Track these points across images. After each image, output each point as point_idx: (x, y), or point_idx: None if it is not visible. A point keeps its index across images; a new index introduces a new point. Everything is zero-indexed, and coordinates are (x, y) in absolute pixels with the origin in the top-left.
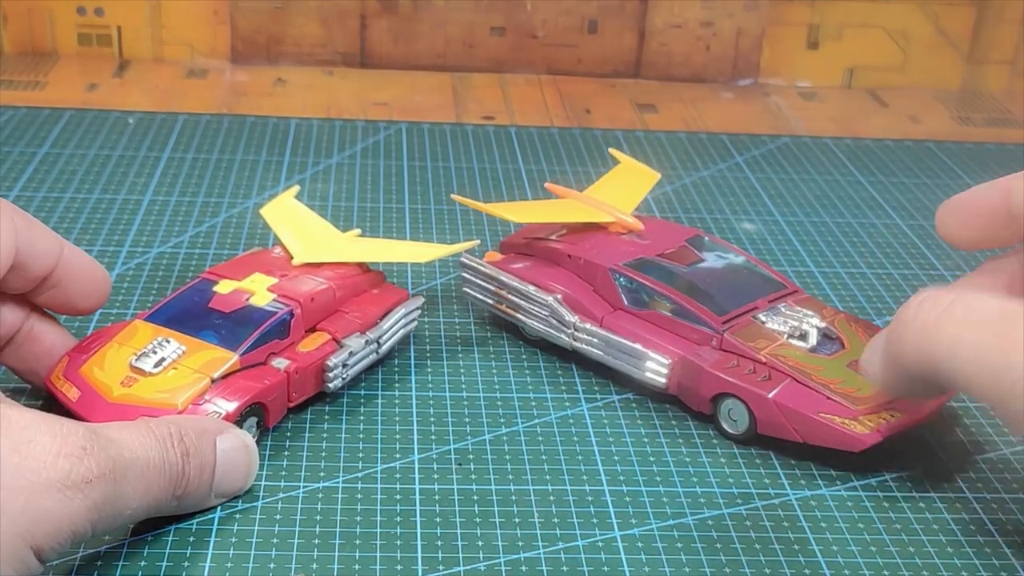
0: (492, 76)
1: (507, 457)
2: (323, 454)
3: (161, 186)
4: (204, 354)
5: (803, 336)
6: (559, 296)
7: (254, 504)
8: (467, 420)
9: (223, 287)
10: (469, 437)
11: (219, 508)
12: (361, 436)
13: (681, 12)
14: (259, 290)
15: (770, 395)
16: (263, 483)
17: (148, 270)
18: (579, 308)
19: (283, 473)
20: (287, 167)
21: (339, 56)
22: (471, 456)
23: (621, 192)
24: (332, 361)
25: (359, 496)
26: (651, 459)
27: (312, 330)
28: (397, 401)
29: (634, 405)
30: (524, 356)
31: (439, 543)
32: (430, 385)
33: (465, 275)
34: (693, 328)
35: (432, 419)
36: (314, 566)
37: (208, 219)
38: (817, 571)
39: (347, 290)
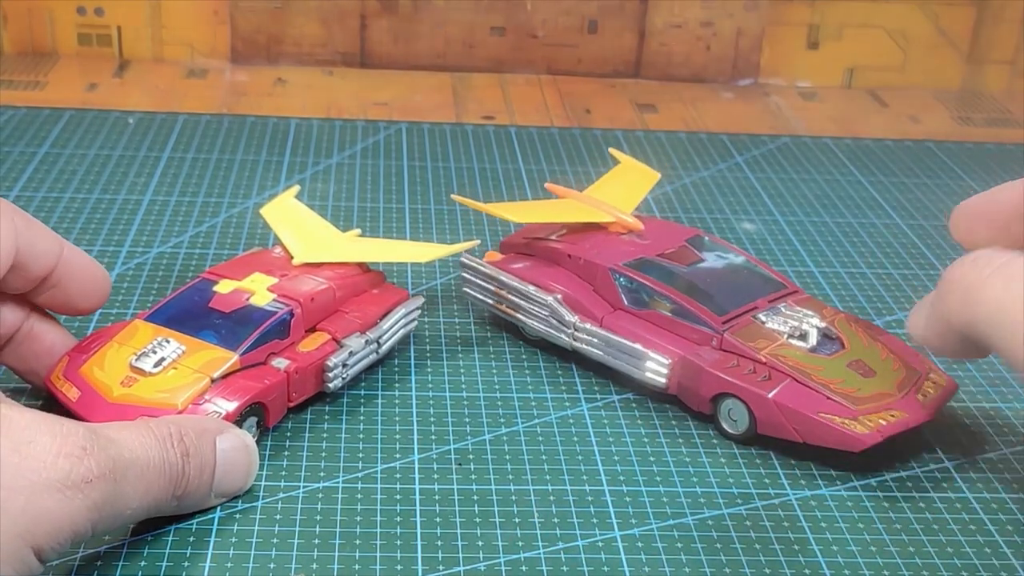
0: (492, 76)
1: (507, 457)
2: (323, 454)
3: (161, 186)
4: (204, 354)
5: (803, 336)
6: (559, 296)
7: (254, 504)
8: (467, 420)
9: (223, 287)
10: (469, 437)
11: (219, 508)
12: (361, 436)
13: (681, 12)
14: (259, 290)
15: (770, 395)
16: (263, 483)
17: (148, 270)
18: (579, 308)
19: (283, 473)
20: (287, 167)
21: (339, 56)
22: (471, 456)
23: (621, 192)
24: (332, 361)
25: (359, 496)
26: (651, 459)
27: (312, 330)
28: (397, 401)
29: (634, 405)
30: (524, 356)
31: (439, 543)
32: (430, 385)
33: (465, 275)
34: (693, 328)
35: (432, 419)
36: (314, 566)
37: (208, 219)
38: (817, 571)
39: (347, 290)
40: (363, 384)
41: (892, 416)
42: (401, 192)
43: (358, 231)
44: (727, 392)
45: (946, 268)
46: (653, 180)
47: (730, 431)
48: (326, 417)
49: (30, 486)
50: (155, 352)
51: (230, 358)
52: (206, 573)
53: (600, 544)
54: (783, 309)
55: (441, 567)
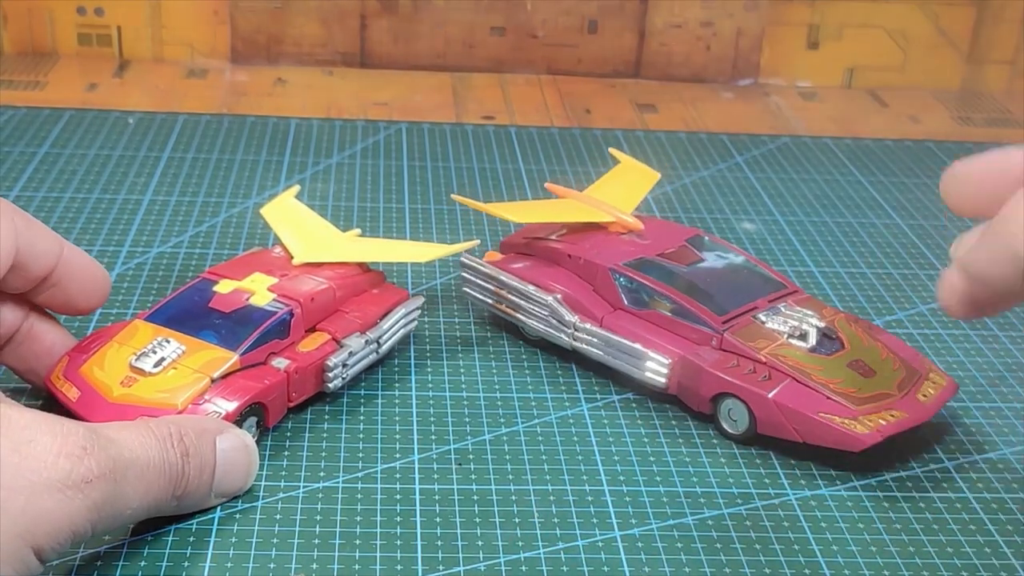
0: (492, 76)
1: (507, 457)
2: (323, 454)
3: (161, 186)
4: (204, 354)
5: (803, 336)
6: (559, 296)
7: (254, 504)
8: (467, 420)
9: (223, 287)
10: (469, 437)
11: (219, 508)
12: (361, 436)
13: (681, 12)
14: (259, 290)
15: (770, 395)
16: (263, 483)
17: (148, 270)
18: (579, 308)
19: (283, 473)
20: (287, 167)
21: (339, 56)
22: (471, 456)
23: (621, 192)
24: (332, 361)
25: (359, 496)
26: (651, 459)
27: (312, 330)
28: (397, 401)
29: (634, 405)
30: (524, 356)
31: (439, 543)
32: (430, 385)
33: (465, 275)
34: (693, 328)
35: (432, 419)
36: (314, 566)
37: (208, 219)
38: (817, 571)
39: (347, 290)
40: (363, 384)
41: (892, 416)
42: (401, 192)
43: (358, 231)
44: (727, 392)
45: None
46: (653, 180)
47: (730, 431)
48: (326, 417)
49: (30, 486)
50: (155, 352)
51: (230, 358)
52: (206, 573)
53: (600, 544)
54: (783, 309)
55: (441, 567)
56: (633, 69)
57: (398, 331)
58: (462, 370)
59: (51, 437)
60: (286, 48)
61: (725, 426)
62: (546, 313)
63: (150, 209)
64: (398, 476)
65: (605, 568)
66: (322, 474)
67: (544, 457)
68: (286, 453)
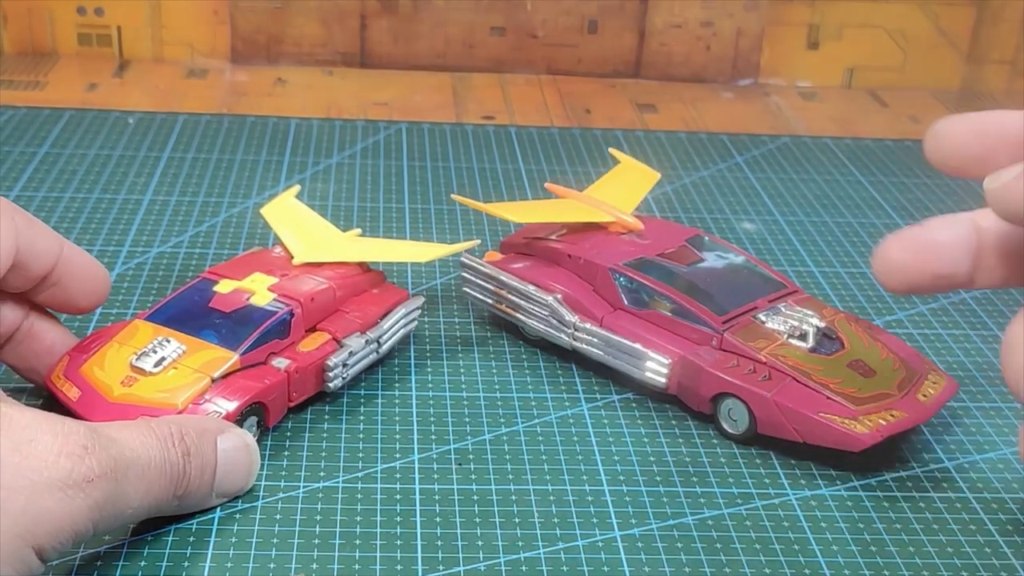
0: (492, 76)
1: (507, 457)
2: (323, 454)
3: (161, 186)
4: (204, 353)
5: (803, 336)
6: (559, 296)
7: (254, 504)
8: (467, 420)
9: (223, 287)
10: (469, 437)
11: (219, 508)
12: (361, 436)
13: (681, 12)
14: (259, 290)
15: (770, 395)
16: (263, 483)
17: (148, 270)
18: (579, 308)
19: (283, 473)
20: (287, 167)
21: (339, 56)
22: (471, 456)
23: (621, 192)
24: (332, 361)
25: (359, 496)
26: (651, 459)
27: (312, 330)
28: (397, 401)
29: (634, 405)
30: (524, 356)
31: (439, 543)
32: (430, 385)
33: (465, 275)
34: (693, 328)
35: (432, 419)
36: (314, 566)
37: (208, 219)
38: (817, 571)
39: (347, 290)
40: (363, 384)
41: (892, 416)
42: (401, 192)
43: (358, 231)
44: (727, 392)
45: None
46: (653, 180)
47: (730, 431)
48: (326, 417)
49: (31, 485)
50: (155, 352)
51: (230, 358)
52: (206, 573)
53: (600, 544)
54: (783, 309)
55: (441, 567)
56: (633, 69)
57: (398, 331)
58: (462, 370)
59: (52, 436)
60: (286, 48)
61: (725, 426)
62: (546, 313)
63: (150, 209)
64: (398, 476)
65: (605, 568)
66: (322, 474)
67: (544, 457)
68: (286, 453)
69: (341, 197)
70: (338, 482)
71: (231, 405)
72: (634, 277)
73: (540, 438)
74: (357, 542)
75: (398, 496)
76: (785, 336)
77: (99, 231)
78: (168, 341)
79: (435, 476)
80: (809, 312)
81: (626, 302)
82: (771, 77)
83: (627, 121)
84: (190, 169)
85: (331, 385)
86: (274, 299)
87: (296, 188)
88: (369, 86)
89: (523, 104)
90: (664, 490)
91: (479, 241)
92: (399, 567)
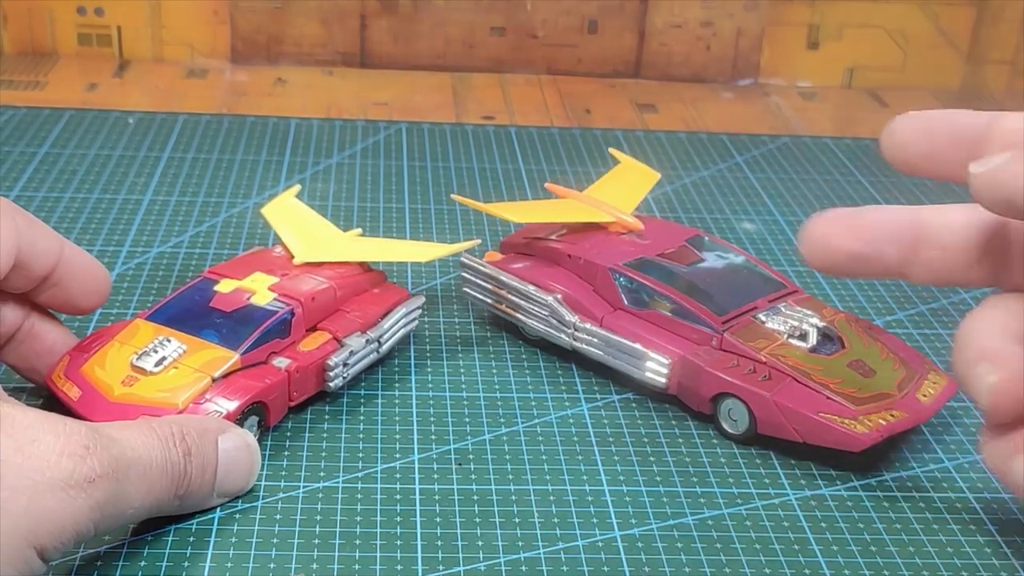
0: (492, 76)
1: (507, 457)
2: (323, 454)
3: (161, 186)
4: (205, 353)
5: (803, 336)
6: (559, 296)
7: (254, 504)
8: (467, 420)
9: (224, 286)
10: (469, 437)
11: (219, 508)
12: (361, 436)
13: (681, 12)
14: (260, 289)
15: (770, 395)
16: (263, 483)
17: (148, 270)
18: (579, 308)
19: (283, 473)
20: (287, 167)
21: (339, 56)
22: (471, 456)
23: (621, 192)
24: (333, 360)
25: (359, 496)
26: (651, 459)
27: (313, 329)
28: (397, 401)
29: (634, 405)
30: (524, 356)
31: (439, 543)
32: (430, 385)
33: (465, 275)
34: (693, 328)
35: (432, 419)
36: (314, 566)
37: (208, 219)
38: (817, 571)
39: (348, 289)
40: (363, 384)
41: (892, 416)
42: (401, 192)
43: (359, 231)
44: (727, 392)
45: None
46: (653, 180)
47: (730, 431)
48: (326, 417)
49: (33, 486)
50: (156, 351)
51: (231, 357)
52: (206, 573)
53: (600, 544)
54: (783, 309)
55: (441, 567)
56: (633, 69)
57: (399, 330)
58: (462, 370)
59: (54, 436)
60: (286, 48)
61: (725, 426)
62: (546, 313)
63: (150, 209)
64: (398, 476)
65: (605, 568)
66: (322, 474)
67: (544, 457)
68: (286, 453)
69: (341, 197)
70: (338, 482)
71: (232, 405)
72: (634, 277)
73: (540, 438)
74: (357, 542)
75: (398, 496)
76: (785, 336)
77: (99, 231)
78: (169, 341)
79: (435, 476)
80: (809, 312)
81: (626, 302)
82: (771, 77)
83: (627, 121)
84: (190, 169)
85: (332, 385)
86: (275, 299)
87: (296, 188)
88: (369, 86)
89: (523, 104)
90: (664, 490)
91: (479, 241)
92: (399, 567)
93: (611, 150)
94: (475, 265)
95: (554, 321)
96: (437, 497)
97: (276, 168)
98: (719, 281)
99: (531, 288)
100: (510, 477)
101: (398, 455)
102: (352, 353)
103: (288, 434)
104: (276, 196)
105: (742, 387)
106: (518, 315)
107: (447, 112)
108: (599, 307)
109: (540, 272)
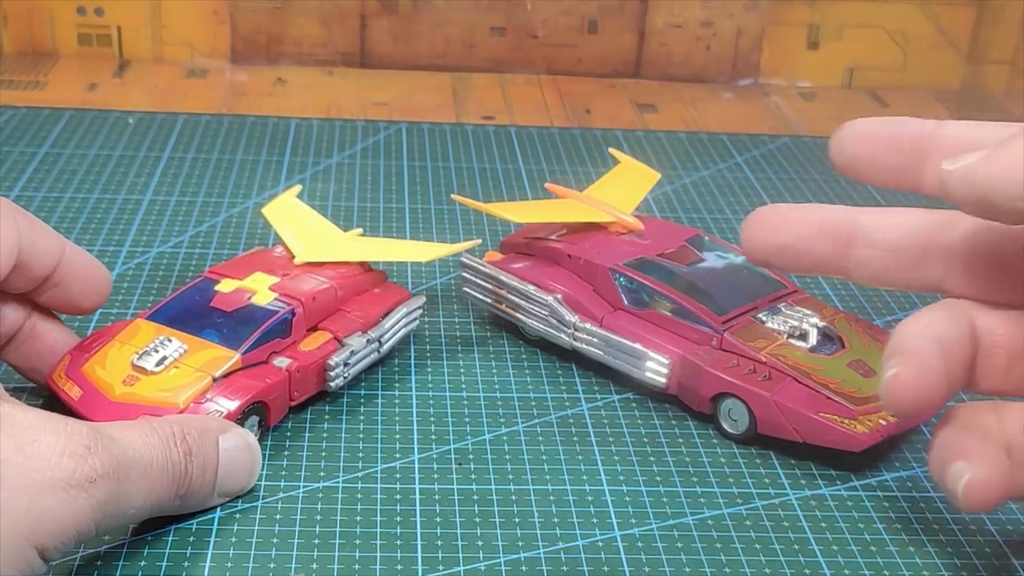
0: (492, 76)
1: (507, 457)
2: (323, 454)
3: (161, 186)
4: (206, 353)
5: (803, 336)
6: (559, 296)
7: (254, 504)
8: (467, 420)
9: (225, 286)
10: (469, 437)
11: (219, 508)
12: (361, 436)
13: (681, 12)
14: (261, 289)
15: (770, 395)
16: (263, 483)
17: (148, 270)
18: (579, 308)
19: (283, 473)
20: (287, 167)
21: (339, 56)
22: (471, 456)
23: (621, 192)
24: (334, 360)
25: (359, 496)
26: (651, 459)
27: (314, 329)
28: (397, 401)
29: (634, 405)
30: (524, 356)
31: (439, 543)
32: (430, 385)
33: (465, 275)
34: (693, 328)
35: (432, 419)
36: (314, 566)
37: (208, 219)
38: (817, 571)
39: (349, 289)
40: (363, 384)
41: (892, 416)
42: (401, 192)
43: (359, 231)
44: (727, 392)
45: None
46: (653, 180)
47: (730, 431)
48: (326, 417)
49: (34, 485)
50: (157, 351)
51: (232, 357)
52: (206, 573)
53: (600, 544)
54: (783, 309)
55: (441, 567)
56: (633, 69)
57: (399, 330)
58: (462, 370)
59: (55, 436)
60: (286, 48)
61: (725, 426)
62: (546, 313)
63: (150, 209)
64: (398, 476)
65: (605, 568)
66: (322, 474)
67: (544, 457)
68: (286, 453)
69: (341, 197)
70: (338, 482)
71: (232, 404)
72: (634, 277)
73: (540, 438)
74: (357, 542)
75: (398, 496)
76: (785, 336)
77: (99, 231)
78: (169, 340)
79: (435, 476)
80: (809, 312)
81: (626, 302)
82: (771, 77)
83: (627, 121)
84: (190, 169)
85: (332, 384)
86: (275, 298)
87: (297, 188)
88: (369, 86)
89: (523, 104)
90: (664, 490)
91: (479, 241)
92: (399, 567)
93: (611, 150)
94: (475, 265)
95: (554, 321)
96: (437, 497)
97: (276, 168)
98: (719, 281)
99: (531, 288)
100: (510, 477)
101: (398, 455)
102: (353, 353)
103: (288, 434)
104: (276, 196)
105: (742, 387)
106: (518, 315)
107: (447, 112)
108: (599, 307)
109: (540, 272)
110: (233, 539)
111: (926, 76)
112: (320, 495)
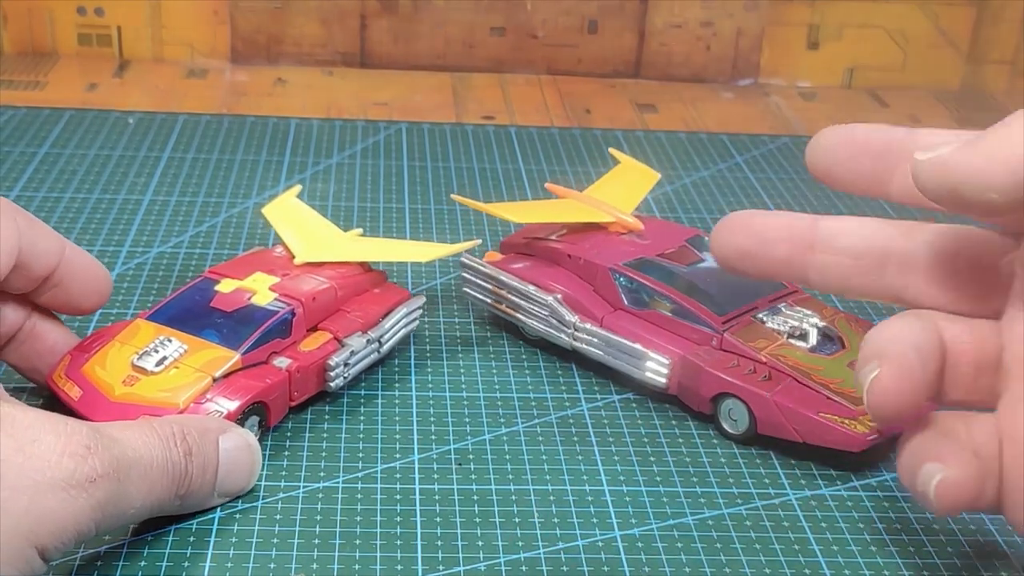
0: (492, 76)
1: (507, 457)
2: (323, 454)
3: (161, 186)
4: (206, 353)
5: (803, 336)
6: (559, 296)
7: (254, 504)
8: (467, 420)
9: (225, 286)
10: (469, 437)
11: (219, 508)
12: (361, 436)
13: (681, 12)
14: (261, 289)
15: (770, 395)
16: (263, 483)
17: (148, 270)
18: (579, 308)
19: (283, 473)
20: (287, 167)
21: (339, 56)
22: (471, 456)
23: (621, 192)
24: (334, 360)
25: (359, 496)
26: (651, 459)
27: (314, 329)
28: (397, 401)
29: (634, 405)
30: (524, 356)
31: (439, 543)
32: (430, 385)
33: (465, 275)
34: (693, 328)
35: (432, 419)
36: (314, 566)
37: (208, 219)
38: (817, 571)
39: (349, 289)
40: (363, 384)
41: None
42: (401, 192)
43: (359, 231)
44: (727, 392)
45: None
46: (653, 180)
47: (730, 431)
48: (326, 417)
49: (34, 485)
50: (157, 351)
51: (232, 357)
52: (206, 573)
53: (600, 544)
54: (783, 309)
55: (441, 567)
56: (633, 69)
57: (400, 330)
58: (462, 370)
59: (55, 436)
60: (286, 48)
61: (725, 426)
62: (546, 313)
63: (150, 209)
64: (398, 476)
65: (605, 568)
66: (322, 474)
67: (544, 457)
68: (286, 453)
69: (341, 197)
70: (338, 482)
71: (232, 404)
72: (634, 277)
73: (540, 438)
74: (357, 542)
75: (398, 496)
76: (785, 336)
77: (99, 231)
78: (169, 340)
79: (435, 476)
80: (809, 312)
81: (626, 302)
82: (771, 77)
83: (627, 121)
84: (190, 169)
85: (332, 385)
86: (275, 299)
87: (297, 188)
88: (369, 86)
89: (523, 104)
90: (664, 490)
91: (479, 241)
92: (399, 567)
93: (611, 150)
94: (475, 265)
95: (554, 321)
96: (437, 497)
97: (276, 168)
98: (719, 281)
99: (531, 288)
100: (510, 477)
101: (398, 455)
102: (353, 353)
103: (288, 434)
104: (276, 196)
105: (742, 387)
106: (518, 315)
107: (447, 112)
108: (599, 307)
109: (540, 272)
110: (233, 539)
111: (926, 76)
112: (320, 495)
